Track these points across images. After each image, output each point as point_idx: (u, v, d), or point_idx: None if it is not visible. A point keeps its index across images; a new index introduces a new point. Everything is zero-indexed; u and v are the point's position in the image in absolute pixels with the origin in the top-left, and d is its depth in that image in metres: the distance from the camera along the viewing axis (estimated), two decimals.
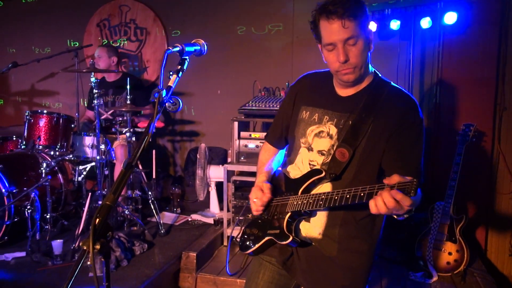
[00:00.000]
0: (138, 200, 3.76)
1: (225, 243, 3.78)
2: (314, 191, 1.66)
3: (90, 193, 3.37)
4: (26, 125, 3.34)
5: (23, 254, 3.11)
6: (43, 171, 3.35)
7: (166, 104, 1.32)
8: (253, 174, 3.66)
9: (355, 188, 1.42)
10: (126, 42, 5.05)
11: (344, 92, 1.68)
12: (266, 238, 1.75)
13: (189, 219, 4.04)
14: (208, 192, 4.08)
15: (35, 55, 5.12)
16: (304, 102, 1.78)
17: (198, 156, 3.88)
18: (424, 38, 4.06)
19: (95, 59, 4.10)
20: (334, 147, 1.61)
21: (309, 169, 1.68)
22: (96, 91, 3.32)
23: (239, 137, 3.73)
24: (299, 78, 1.89)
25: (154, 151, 3.93)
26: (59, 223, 3.51)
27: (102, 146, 3.71)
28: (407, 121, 1.55)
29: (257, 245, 1.77)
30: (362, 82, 1.64)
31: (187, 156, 4.94)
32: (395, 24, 3.84)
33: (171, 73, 1.39)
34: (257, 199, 1.76)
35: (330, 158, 1.62)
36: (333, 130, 1.64)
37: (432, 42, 4.04)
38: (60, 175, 3.67)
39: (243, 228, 1.94)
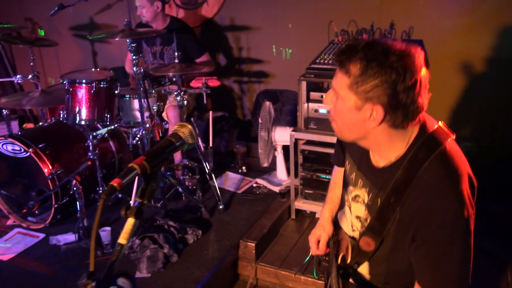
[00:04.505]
0: (196, 170, 3.38)
1: (292, 216, 3.35)
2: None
3: None
4: (67, 96, 2.98)
5: (74, 238, 2.95)
6: (90, 144, 3.05)
7: None
8: (324, 144, 3.06)
9: None
10: None
11: (376, 159, 1.30)
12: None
13: (254, 185, 3.63)
14: (274, 157, 3.57)
15: None
16: (349, 146, 1.46)
17: (260, 120, 3.30)
18: None
19: (138, 11, 3.49)
20: (367, 221, 1.32)
21: (351, 233, 1.44)
22: (135, 57, 2.79)
23: (308, 100, 3.06)
24: None
25: (211, 112, 3.43)
26: (113, 196, 3.28)
27: (155, 108, 3.32)
28: (431, 224, 1.15)
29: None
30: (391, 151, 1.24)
31: (256, 99, 4.37)
32: None
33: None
34: (317, 250, 1.59)
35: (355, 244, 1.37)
36: (366, 199, 1.34)
37: None
38: (111, 143, 3.36)
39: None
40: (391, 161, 1.24)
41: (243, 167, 3.86)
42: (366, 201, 1.33)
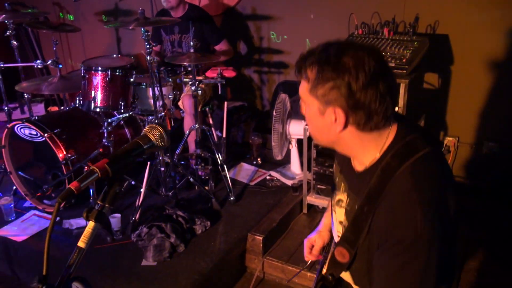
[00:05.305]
0: (209, 160, 3.38)
1: (304, 211, 3.31)
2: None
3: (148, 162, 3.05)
4: (84, 82, 3.01)
5: (85, 223, 2.99)
6: (105, 130, 3.09)
7: None
8: None
9: None
10: None
11: (355, 163, 1.27)
12: None
13: (267, 177, 3.60)
14: (289, 150, 3.52)
15: None
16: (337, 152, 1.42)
17: (274, 113, 3.25)
18: None
19: None
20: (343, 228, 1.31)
21: (337, 239, 1.39)
22: (148, 46, 2.79)
23: None
24: None
25: (226, 103, 3.40)
26: (126, 183, 3.31)
27: (170, 96, 3.31)
28: (392, 238, 1.09)
29: None
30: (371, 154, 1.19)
31: (275, 90, 4.33)
32: None
33: None
34: (309, 255, 1.62)
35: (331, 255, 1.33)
36: (346, 203, 1.32)
37: None
38: (126, 130, 3.39)
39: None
40: (366, 167, 1.20)
41: (259, 159, 3.83)
42: (345, 206, 1.31)
